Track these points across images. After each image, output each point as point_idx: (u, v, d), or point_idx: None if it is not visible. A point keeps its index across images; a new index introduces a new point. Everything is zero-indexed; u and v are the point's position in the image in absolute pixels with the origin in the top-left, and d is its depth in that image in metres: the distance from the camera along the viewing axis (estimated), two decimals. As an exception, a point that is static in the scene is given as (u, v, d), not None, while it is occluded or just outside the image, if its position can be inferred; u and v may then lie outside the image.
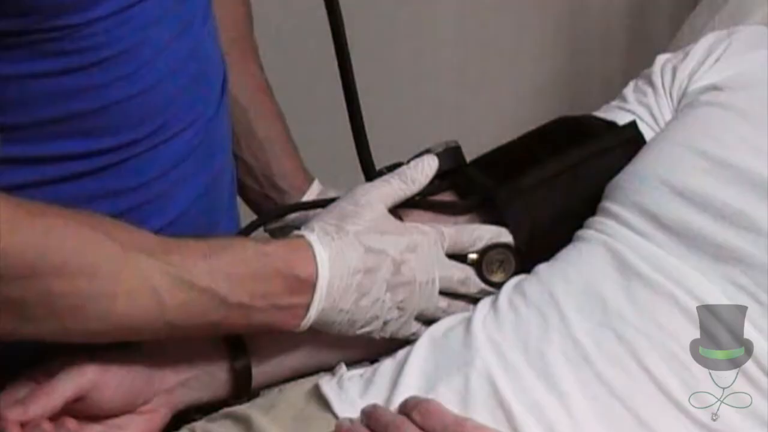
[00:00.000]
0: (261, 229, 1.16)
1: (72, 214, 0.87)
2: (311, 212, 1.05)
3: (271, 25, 1.29)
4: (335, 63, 1.09)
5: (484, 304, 0.98)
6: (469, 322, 0.96)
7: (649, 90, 1.10)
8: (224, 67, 1.09)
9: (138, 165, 0.98)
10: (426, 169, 1.02)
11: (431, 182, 1.02)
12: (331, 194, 1.18)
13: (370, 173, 1.06)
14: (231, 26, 1.13)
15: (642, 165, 1.02)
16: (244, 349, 0.99)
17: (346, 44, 1.06)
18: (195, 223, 1.04)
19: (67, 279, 0.84)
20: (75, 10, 0.88)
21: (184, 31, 0.99)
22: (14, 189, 0.86)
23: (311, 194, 1.22)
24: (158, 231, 0.93)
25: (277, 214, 1.20)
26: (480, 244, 1.00)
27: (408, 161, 1.04)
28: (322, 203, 1.04)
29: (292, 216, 1.17)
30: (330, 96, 1.14)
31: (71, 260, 0.85)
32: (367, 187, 1.00)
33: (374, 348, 1.00)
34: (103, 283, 0.86)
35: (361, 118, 1.07)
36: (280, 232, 1.15)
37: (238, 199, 1.21)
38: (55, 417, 0.91)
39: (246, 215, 1.21)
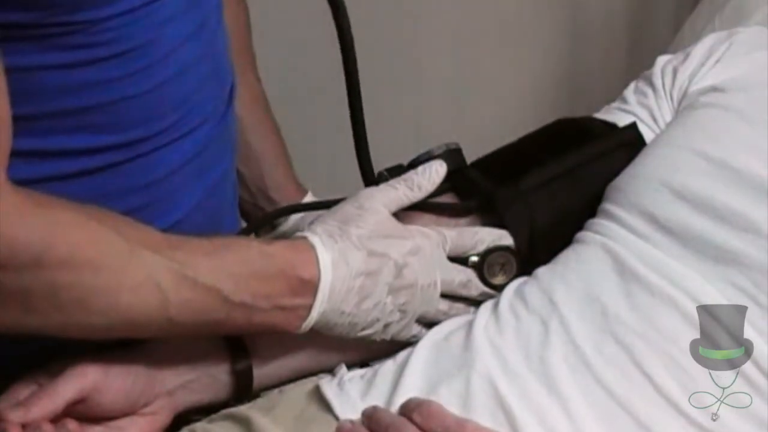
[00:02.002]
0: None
1: (79, 207, 0.87)
2: (307, 219, 1.05)
3: (274, 29, 1.29)
4: (337, 64, 1.08)
5: (485, 309, 0.98)
6: (470, 326, 0.96)
7: (649, 91, 1.10)
8: (233, 68, 1.09)
9: (148, 163, 0.98)
10: (433, 175, 1.01)
11: (432, 185, 1.03)
12: None
13: (369, 177, 1.06)
14: (230, 33, 1.13)
15: (642, 167, 1.02)
16: (245, 350, 0.99)
17: (353, 47, 1.06)
18: (201, 222, 1.04)
19: (72, 272, 0.84)
20: (91, 6, 0.89)
21: (197, 31, 0.99)
22: (23, 184, 0.85)
23: None
24: (166, 229, 0.94)
25: (276, 216, 1.20)
26: (481, 247, 1.00)
27: (409, 163, 1.04)
28: (328, 204, 1.04)
29: (287, 226, 1.17)
30: (330, 99, 1.14)
31: (77, 253, 0.85)
32: (372, 191, 1.00)
33: (375, 350, 1.00)
34: (108, 277, 0.86)
35: (363, 124, 1.07)
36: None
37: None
38: (56, 418, 0.91)
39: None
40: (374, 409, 0.90)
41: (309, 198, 1.24)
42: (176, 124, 0.99)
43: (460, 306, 1.00)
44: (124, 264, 0.86)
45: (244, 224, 1.16)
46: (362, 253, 0.94)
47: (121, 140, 0.96)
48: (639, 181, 1.00)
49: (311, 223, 0.98)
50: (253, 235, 1.13)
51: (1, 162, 0.82)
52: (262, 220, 1.17)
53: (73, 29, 0.89)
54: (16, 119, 0.85)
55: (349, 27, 1.05)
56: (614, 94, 1.15)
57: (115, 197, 0.96)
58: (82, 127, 0.93)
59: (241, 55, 1.20)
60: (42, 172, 0.93)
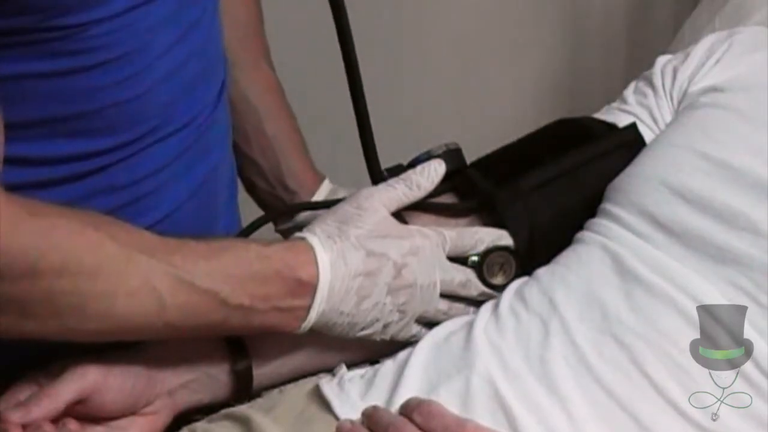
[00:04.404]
0: (262, 228, 1.16)
1: (74, 213, 0.87)
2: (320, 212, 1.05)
3: (278, 27, 1.29)
4: (341, 64, 1.09)
5: (486, 309, 0.98)
6: (470, 327, 0.96)
7: (649, 91, 1.10)
8: (225, 65, 1.09)
9: (133, 163, 0.98)
10: (432, 175, 1.02)
11: (432, 185, 1.03)
12: (341, 194, 1.18)
13: (376, 176, 1.06)
14: (243, 25, 1.13)
15: (642, 166, 1.02)
16: (244, 350, 0.99)
17: (353, 47, 1.06)
18: (189, 219, 1.04)
19: (69, 278, 0.85)
20: (78, 9, 0.88)
21: (187, 32, 0.99)
22: (11, 190, 0.85)
23: (321, 194, 1.22)
24: (151, 227, 0.94)
25: (280, 213, 1.20)
26: (481, 247, 1.00)
27: (408, 163, 1.04)
28: (328, 204, 1.04)
29: (304, 215, 1.17)
30: (335, 98, 1.14)
31: (73, 260, 0.85)
32: (371, 190, 1.00)
33: (374, 349, 1.00)
34: (105, 283, 0.86)
35: (369, 122, 1.07)
36: (291, 232, 1.14)
37: (241, 198, 1.21)
38: (57, 419, 0.91)
39: (247, 215, 1.22)
40: (374, 408, 0.90)
41: (326, 185, 1.23)
42: (163, 124, 0.99)
43: (459, 306, 1.00)
44: (120, 269, 0.86)
45: (244, 223, 1.15)
46: (361, 253, 0.94)
47: (109, 144, 0.96)
48: (639, 180, 1.00)
49: (310, 223, 0.98)
50: (269, 227, 1.13)
51: None
52: (264, 219, 1.17)
53: (63, 34, 0.89)
54: (6, 127, 0.85)
55: (349, 28, 1.05)
56: (614, 94, 1.15)
57: (100, 196, 0.96)
58: (71, 133, 0.93)
59: (254, 46, 1.20)
60: (29, 177, 0.93)
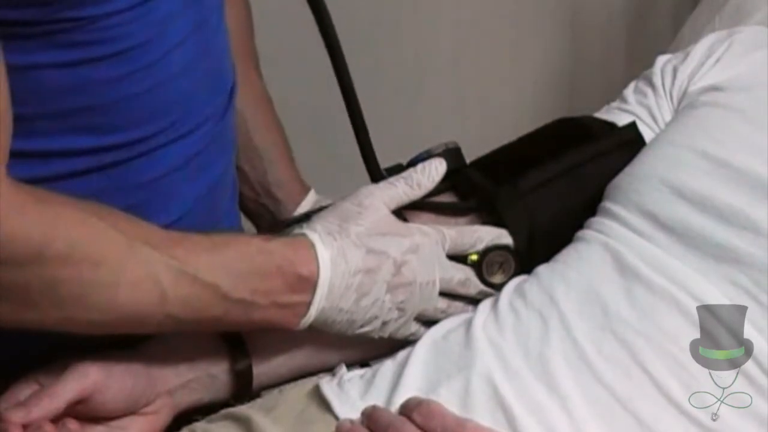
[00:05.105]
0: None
1: (79, 203, 0.87)
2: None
3: (273, 27, 1.29)
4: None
5: (485, 306, 0.98)
6: (469, 324, 0.96)
7: (649, 91, 1.10)
8: (234, 68, 1.09)
9: (147, 162, 0.98)
10: (433, 173, 1.02)
11: (432, 184, 1.03)
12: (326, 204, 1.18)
13: (376, 175, 1.06)
14: (233, 34, 1.13)
15: (642, 166, 1.02)
16: (245, 350, 0.99)
17: (340, 48, 1.05)
18: (200, 218, 1.04)
19: (72, 267, 0.85)
20: (93, 2, 0.89)
21: (198, 29, 0.99)
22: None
23: (307, 204, 1.23)
24: (166, 226, 0.93)
25: (290, 224, 1.20)
26: (480, 246, 1.00)
27: (408, 162, 1.04)
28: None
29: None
30: (334, 98, 1.14)
31: (76, 249, 0.85)
32: (372, 188, 1.00)
33: (374, 349, 1.01)
34: (107, 273, 0.86)
35: (364, 122, 1.07)
36: None
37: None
38: (57, 418, 0.91)
39: (246, 219, 1.22)
40: (374, 408, 0.90)
41: (312, 195, 1.24)
42: (176, 124, 0.99)
43: (458, 304, 1.00)
44: (123, 260, 0.87)
45: (244, 222, 1.15)
46: (361, 250, 0.95)
47: (120, 140, 0.96)
48: (639, 179, 1.00)
49: (311, 220, 0.98)
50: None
51: (1, 158, 0.82)
52: (275, 228, 1.17)
53: (74, 26, 0.89)
54: (17, 119, 0.85)
55: (334, 32, 1.04)
56: (614, 94, 1.15)
57: (114, 194, 0.96)
58: (83, 127, 0.94)
59: (244, 55, 1.21)
60: (40, 172, 0.93)
